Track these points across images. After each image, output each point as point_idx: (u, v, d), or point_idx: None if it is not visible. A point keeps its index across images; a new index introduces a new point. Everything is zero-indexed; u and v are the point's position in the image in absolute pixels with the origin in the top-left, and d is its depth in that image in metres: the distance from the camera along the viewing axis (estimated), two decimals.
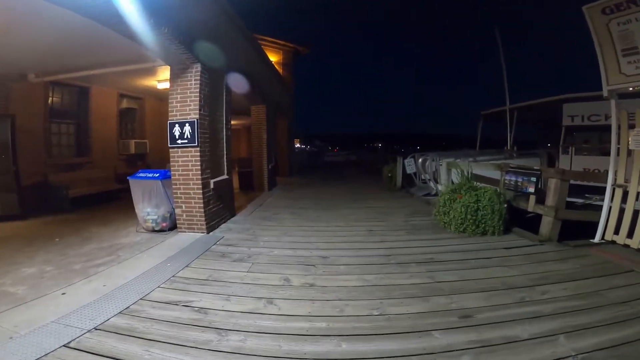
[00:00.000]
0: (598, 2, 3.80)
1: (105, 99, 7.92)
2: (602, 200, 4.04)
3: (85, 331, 2.11)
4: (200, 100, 4.50)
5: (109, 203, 6.99)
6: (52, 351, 1.90)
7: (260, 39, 12.43)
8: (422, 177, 8.54)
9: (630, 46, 3.56)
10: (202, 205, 4.57)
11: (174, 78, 4.56)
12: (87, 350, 1.93)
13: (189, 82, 4.51)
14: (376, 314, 2.37)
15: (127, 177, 4.78)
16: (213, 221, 4.85)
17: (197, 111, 4.48)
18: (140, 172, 4.83)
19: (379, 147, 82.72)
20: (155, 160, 8.94)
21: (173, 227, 4.75)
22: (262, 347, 1.96)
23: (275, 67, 10.99)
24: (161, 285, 2.86)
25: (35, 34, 4.02)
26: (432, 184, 7.94)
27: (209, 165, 4.81)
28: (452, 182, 6.21)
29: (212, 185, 4.82)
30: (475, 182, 5.13)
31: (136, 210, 4.74)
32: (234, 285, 2.88)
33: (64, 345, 1.95)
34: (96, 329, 2.15)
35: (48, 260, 3.53)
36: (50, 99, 6.76)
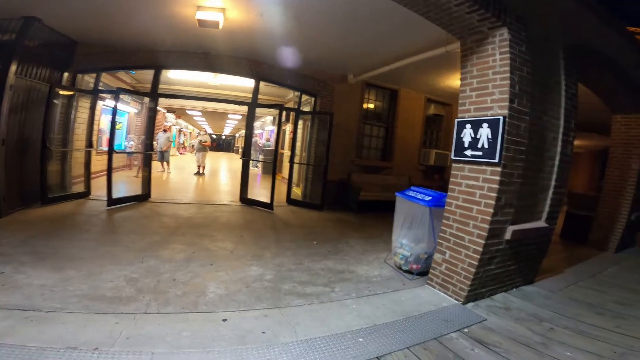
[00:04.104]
0: None
1: (412, 103, 7.57)
2: None
3: None
4: (511, 86, 2.55)
5: (391, 214, 6.53)
6: None
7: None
8: None
9: None
10: (475, 263, 2.65)
11: (465, 55, 2.89)
12: None
13: (489, 59, 2.69)
14: None
15: (396, 193, 3.75)
16: (484, 288, 2.81)
17: (506, 103, 2.55)
18: (410, 190, 3.65)
19: None
20: None
21: (425, 272, 3.21)
22: None
23: None
24: None
25: (346, 28, 4.00)
26: None
27: (513, 201, 2.72)
28: None
29: (507, 236, 2.74)
30: None
31: (392, 235, 3.64)
32: None
33: None
34: None
35: (281, 264, 3.26)
36: (365, 101, 7.09)
